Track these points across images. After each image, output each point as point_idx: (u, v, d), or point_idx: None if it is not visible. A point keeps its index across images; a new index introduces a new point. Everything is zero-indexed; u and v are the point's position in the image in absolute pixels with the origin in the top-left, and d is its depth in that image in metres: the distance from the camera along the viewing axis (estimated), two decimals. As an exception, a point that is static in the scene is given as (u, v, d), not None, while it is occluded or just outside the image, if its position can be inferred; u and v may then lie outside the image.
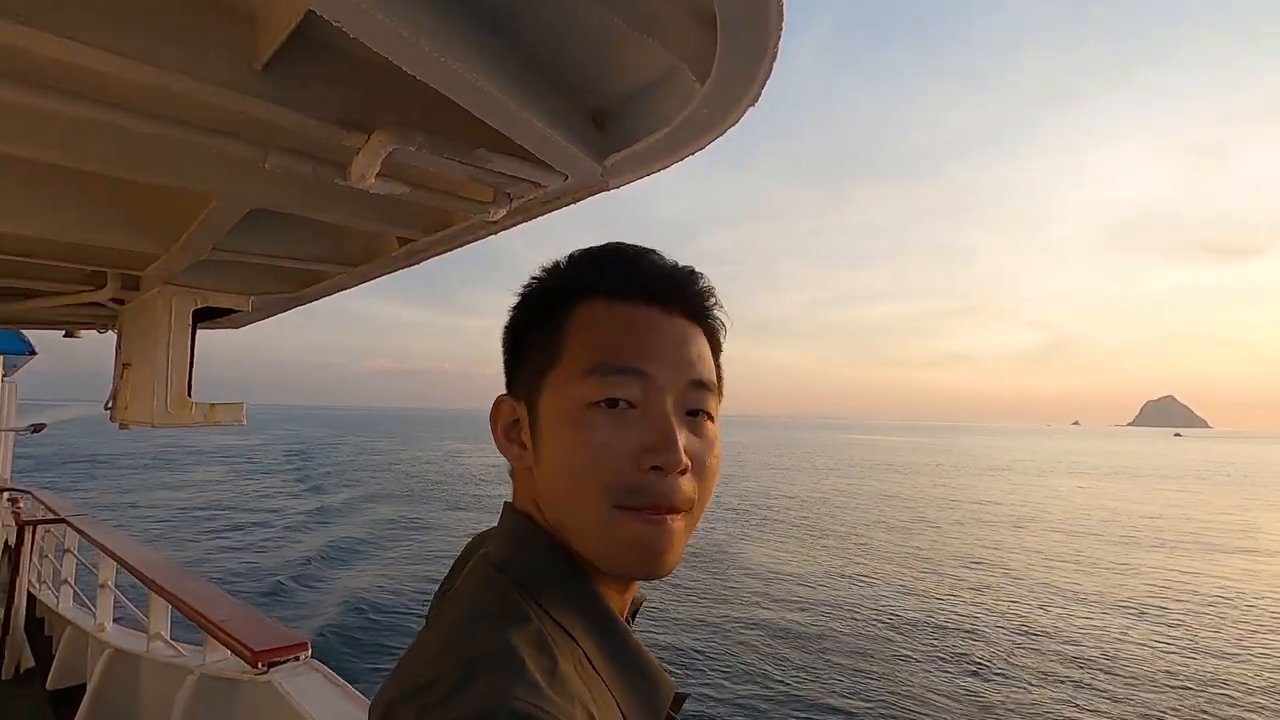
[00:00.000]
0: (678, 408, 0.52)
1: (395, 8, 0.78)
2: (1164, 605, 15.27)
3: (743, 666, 10.63)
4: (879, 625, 12.70)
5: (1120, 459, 76.23)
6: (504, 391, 0.60)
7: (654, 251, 0.58)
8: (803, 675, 10.39)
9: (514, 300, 0.60)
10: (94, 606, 3.59)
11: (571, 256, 0.59)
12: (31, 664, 4.37)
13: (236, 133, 1.11)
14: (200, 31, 0.97)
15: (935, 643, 11.94)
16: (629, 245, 0.58)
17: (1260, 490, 45.92)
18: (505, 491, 0.66)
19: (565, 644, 0.46)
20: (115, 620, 3.47)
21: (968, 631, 12.53)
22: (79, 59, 0.89)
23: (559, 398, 0.52)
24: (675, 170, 1.33)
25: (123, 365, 2.39)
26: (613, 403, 0.50)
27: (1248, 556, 21.80)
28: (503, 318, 0.64)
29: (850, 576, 17.23)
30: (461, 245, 1.71)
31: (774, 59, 0.90)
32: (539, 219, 1.57)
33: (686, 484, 0.51)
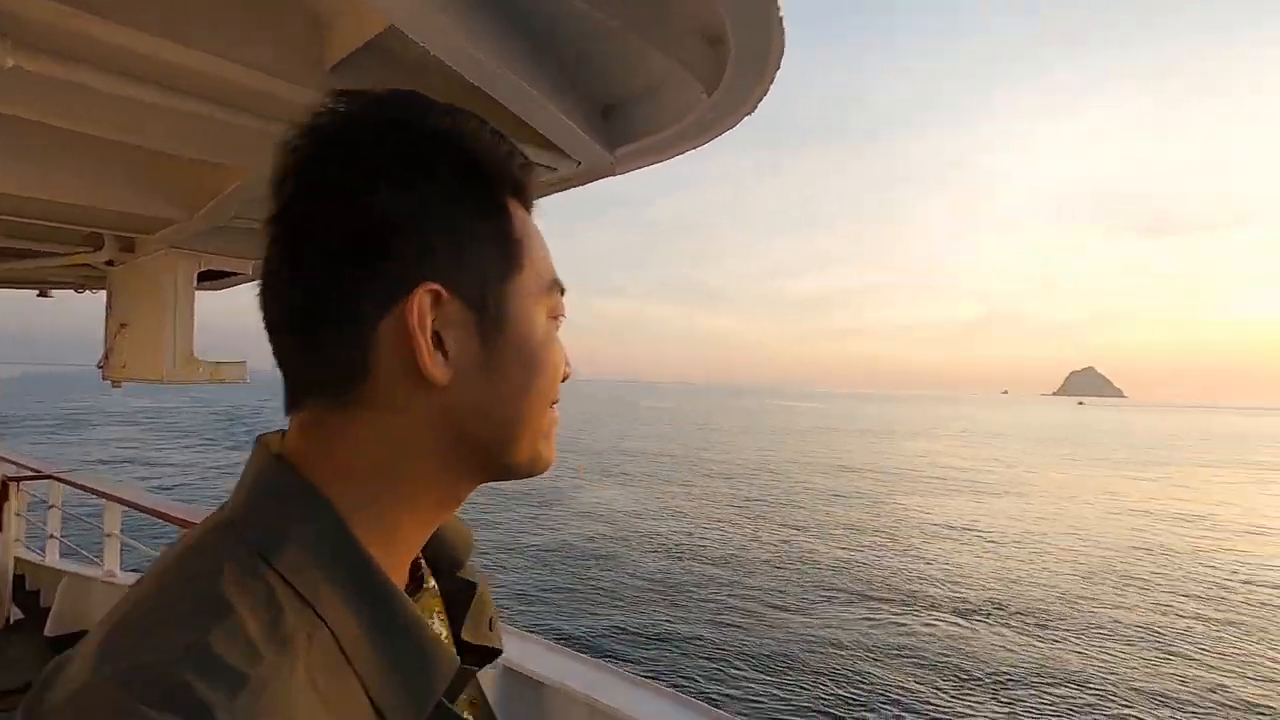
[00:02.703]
0: None
1: (461, 26, 0.95)
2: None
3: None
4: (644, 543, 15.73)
5: (993, 425, 78.83)
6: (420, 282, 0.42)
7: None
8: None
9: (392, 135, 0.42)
10: (94, 555, 3.64)
11: (456, 117, 0.45)
12: (20, 616, 4.37)
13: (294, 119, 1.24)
14: (277, 33, 1.11)
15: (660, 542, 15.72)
16: (471, 112, 0.46)
17: (1046, 448, 48.15)
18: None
19: (300, 626, 0.38)
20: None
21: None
22: (143, 47, 1.01)
23: (532, 312, 0.47)
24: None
25: (118, 325, 2.44)
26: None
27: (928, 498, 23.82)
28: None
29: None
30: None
31: (773, 80, 1.10)
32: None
33: None
